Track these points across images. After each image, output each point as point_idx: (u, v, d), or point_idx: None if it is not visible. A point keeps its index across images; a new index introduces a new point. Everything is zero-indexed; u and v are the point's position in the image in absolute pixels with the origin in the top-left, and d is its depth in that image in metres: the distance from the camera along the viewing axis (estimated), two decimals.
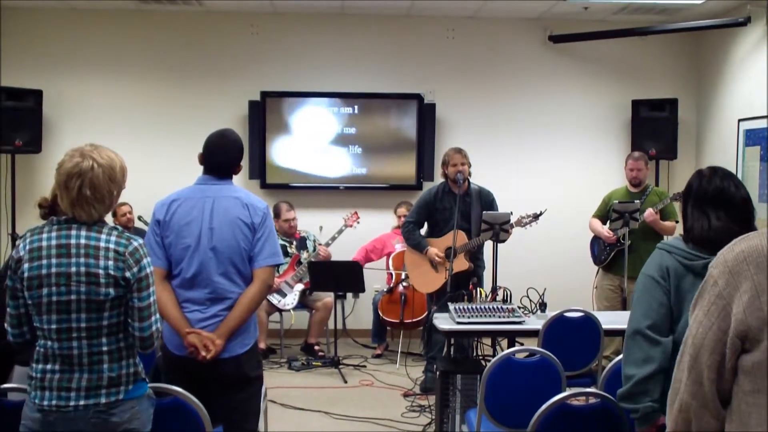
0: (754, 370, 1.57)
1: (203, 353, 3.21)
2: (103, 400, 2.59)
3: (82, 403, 2.57)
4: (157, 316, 2.69)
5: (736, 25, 7.09)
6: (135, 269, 2.60)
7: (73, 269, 2.56)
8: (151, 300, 2.65)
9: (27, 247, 2.60)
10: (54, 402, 2.57)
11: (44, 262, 2.57)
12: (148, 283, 2.65)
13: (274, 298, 6.93)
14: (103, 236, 2.60)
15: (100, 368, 2.60)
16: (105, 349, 2.60)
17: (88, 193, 2.57)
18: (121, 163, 2.69)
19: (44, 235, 2.60)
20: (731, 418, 1.61)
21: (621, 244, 6.06)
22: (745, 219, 2.70)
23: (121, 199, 7.03)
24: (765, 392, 1.56)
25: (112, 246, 2.59)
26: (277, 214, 7.16)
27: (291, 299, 7.02)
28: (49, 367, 2.60)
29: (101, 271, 2.56)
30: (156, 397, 3.02)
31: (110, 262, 2.57)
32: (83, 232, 2.60)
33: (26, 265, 2.58)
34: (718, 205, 2.68)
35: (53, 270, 2.56)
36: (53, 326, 2.57)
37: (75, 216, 2.61)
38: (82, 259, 2.56)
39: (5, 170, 7.50)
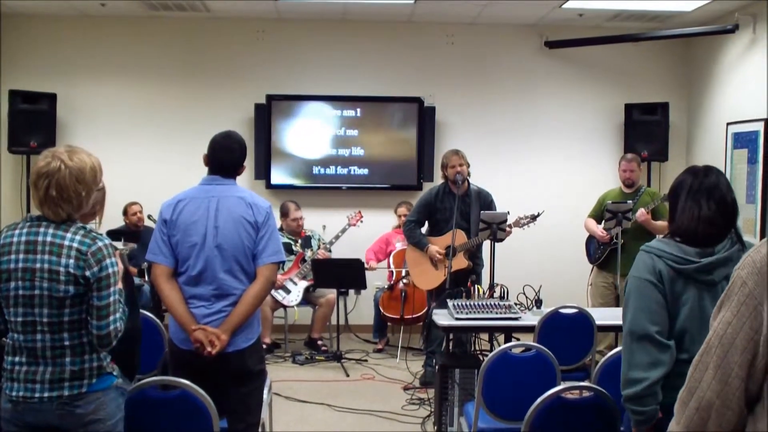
0: None
1: (209, 348, 3.21)
2: (66, 393, 2.59)
3: (46, 395, 2.58)
4: (117, 315, 2.64)
5: (724, 32, 7.08)
6: (95, 269, 2.58)
7: (38, 265, 2.56)
8: (110, 300, 2.62)
9: (0, 242, 2.62)
10: (21, 393, 2.59)
11: (12, 257, 2.59)
12: (108, 283, 2.61)
13: (279, 295, 6.92)
14: (69, 235, 2.60)
15: (62, 362, 2.60)
16: (67, 343, 2.60)
17: (54, 194, 2.58)
18: (92, 165, 2.66)
19: (16, 231, 2.63)
20: (763, 414, 1.60)
21: (614, 242, 6.04)
22: (731, 219, 2.68)
23: (131, 199, 7.20)
24: None
25: (75, 245, 2.58)
26: (285, 213, 7.16)
27: (295, 296, 7.01)
28: (17, 359, 2.62)
29: (62, 269, 2.56)
30: (164, 390, 3.02)
31: (71, 261, 2.56)
32: (50, 230, 2.60)
33: None
34: (711, 196, 2.66)
35: (20, 265, 2.58)
36: (19, 319, 2.59)
37: (44, 214, 2.62)
38: (46, 256, 2.57)
39: (21, 171, 7.51)
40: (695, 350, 2.55)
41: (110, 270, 2.62)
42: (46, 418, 2.59)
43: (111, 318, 2.61)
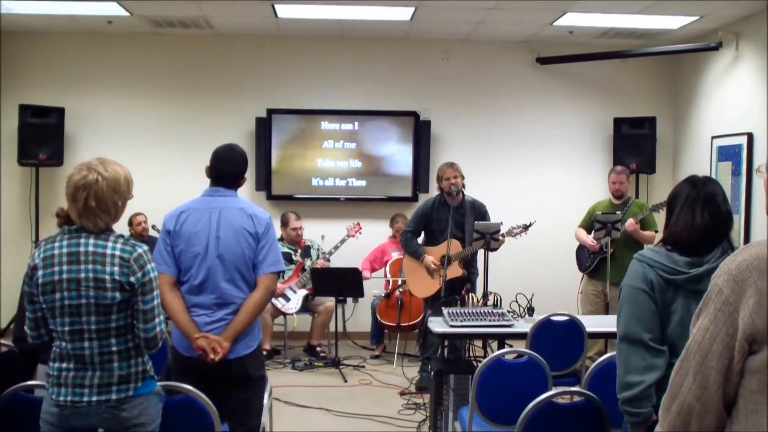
0: (761, 369, 1.58)
1: (211, 356, 3.21)
2: (114, 397, 2.60)
3: (94, 399, 2.59)
4: (162, 317, 2.68)
5: (709, 49, 7.11)
6: (139, 274, 2.61)
7: (83, 275, 2.57)
8: (155, 303, 2.65)
9: (41, 255, 2.62)
10: (69, 398, 2.59)
11: (56, 269, 2.58)
12: (151, 287, 2.65)
13: (279, 303, 6.91)
14: (110, 244, 2.61)
15: (110, 367, 2.61)
16: (114, 349, 2.61)
17: (94, 204, 2.59)
18: (125, 176, 2.69)
19: (56, 244, 2.62)
20: (738, 419, 1.62)
21: (604, 252, 6.04)
22: (723, 230, 2.66)
23: (136, 210, 7.17)
24: None
25: (117, 253, 2.60)
26: (285, 223, 7.17)
27: (295, 303, 7.00)
28: (64, 365, 2.62)
29: (107, 277, 2.57)
30: (168, 395, 3.02)
31: (116, 268, 2.58)
32: (91, 240, 2.61)
33: (40, 272, 2.60)
34: (706, 206, 2.65)
35: (64, 276, 2.58)
36: (66, 328, 2.59)
37: (83, 225, 2.63)
38: (90, 266, 2.58)
39: (30, 182, 7.50)
40: None
41: (152, 275, 2.66)
42: (92, 422, 2.60)
43: (156, 321, 2.65)
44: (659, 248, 2.71)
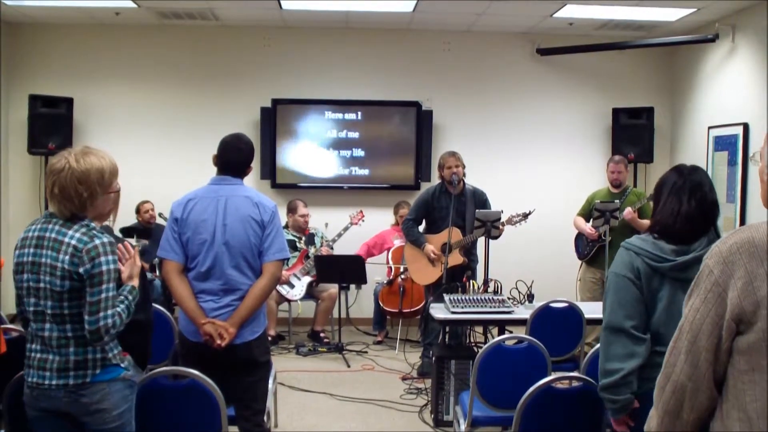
0: (749, 350, 1.59)
1: (218, 341, 3.21)
2: (71, 382, 2.59)
3: (54, 382, 2.59)
4: (109, 312, 2.56)
5: (705, 41, 7.08)
6: (88, 266, 2.54)
7: (43, 260, 2.58)
8: (102, 296, 2.55)
9: (21, 236, 2.66)
10: (35, 379, 2.61)
11: (26, 250, 2.62)
12: (101, 279, 2.55)
13: (284, 289, 6.90)
14: (70, 232, 2.59)
15: (67, 351, 2.60)
16: (70, 334, 2.59)
17: (57, 192, 2.59)
18: (99, 168, 2.62)
19: (33, 227, 2.66)
20: (727, 397, 1.63)
21: (602, 240, 6.04)
22: (709, 218, 2.63)
23: (143, 198, 7.18)
24: (759, 370, 1.58)
25: (73, 242, 2.56)
26: (293, 210, 7.16)
27: (299, 290, 6.99)
28: (33, 346, 2.64)
29: (59, 265, 2.55)
30: (174, 379, 3.01)
31: (66, 257, 2.55)
32: (56, 227, 2.61)
33: (17, 252, 2.64)
34: (692, 195, 2.62)
35: (30, 259, 2.60)
36: (31, 308, 2.62)
37: (52, 211, 2.64)
38: (49, 252, 2.58)
39: (40, 171, 7.49)
40: None
41: (104, 267, 2.56)
42: (57, 405, 2.59)
43: (101, 314, 2.54)
44: (646, 236, 2.68)
